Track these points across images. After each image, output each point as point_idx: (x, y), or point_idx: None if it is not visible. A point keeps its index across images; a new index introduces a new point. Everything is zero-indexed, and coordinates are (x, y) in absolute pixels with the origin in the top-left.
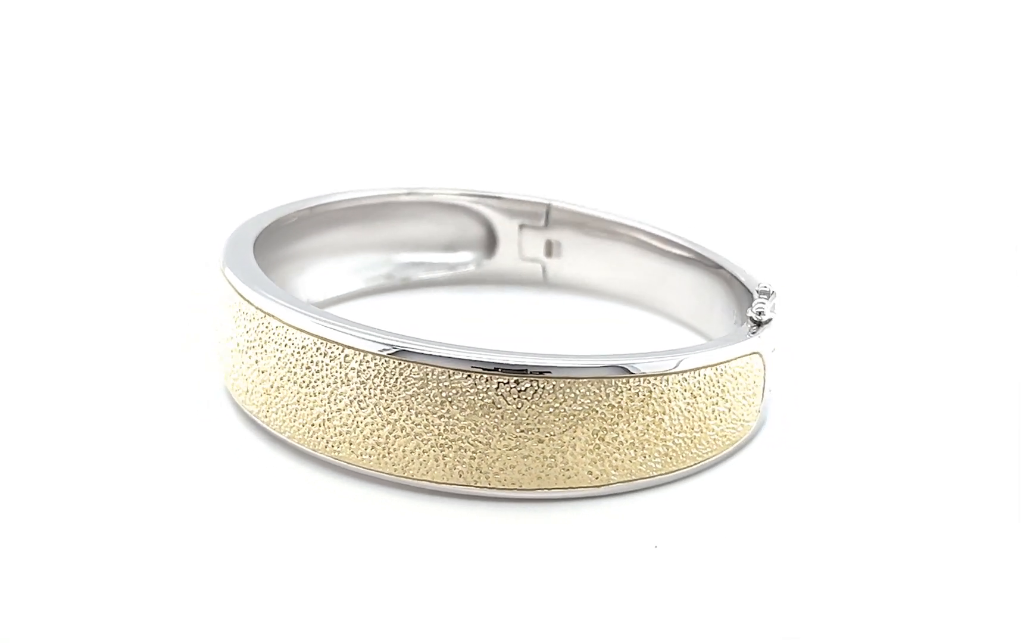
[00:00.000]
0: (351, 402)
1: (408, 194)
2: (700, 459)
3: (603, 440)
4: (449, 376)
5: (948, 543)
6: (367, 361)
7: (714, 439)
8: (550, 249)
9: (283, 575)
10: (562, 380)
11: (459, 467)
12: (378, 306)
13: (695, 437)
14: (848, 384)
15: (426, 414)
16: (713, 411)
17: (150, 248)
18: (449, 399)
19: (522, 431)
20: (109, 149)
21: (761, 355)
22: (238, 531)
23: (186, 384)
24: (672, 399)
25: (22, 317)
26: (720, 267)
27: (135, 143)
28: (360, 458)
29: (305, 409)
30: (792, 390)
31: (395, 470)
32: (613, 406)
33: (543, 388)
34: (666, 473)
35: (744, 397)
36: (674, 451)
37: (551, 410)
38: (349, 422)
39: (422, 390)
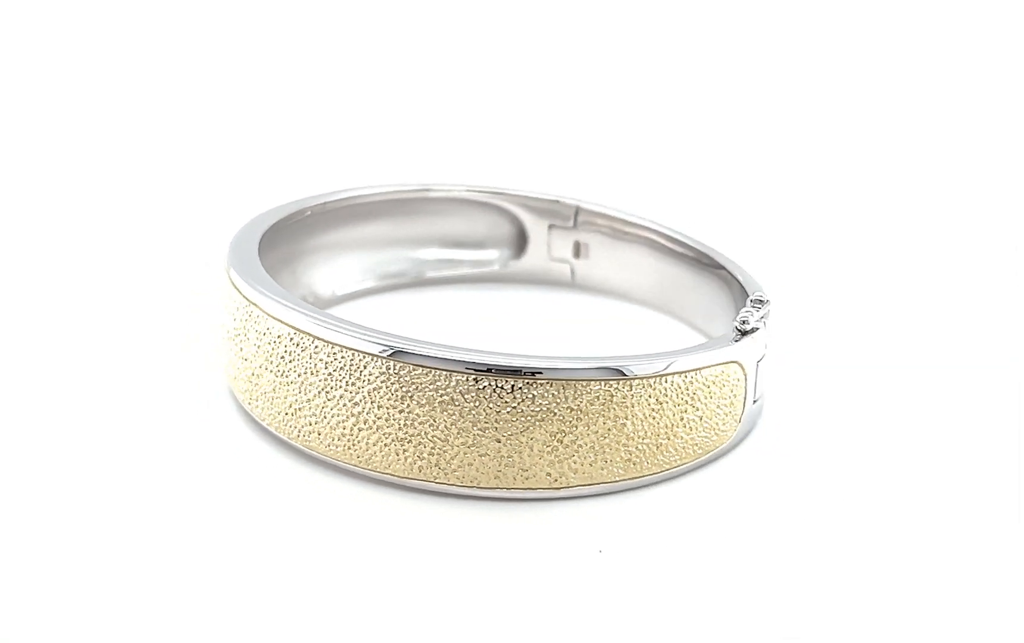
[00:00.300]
0: (319, 393)
1: (438, 190)
2: (667, 467)
3: (561, 442)
4: (409, 371)
5: (932, 562)
6: (334, 353)
7: (683, 447)
8: (578, 250)
9: (249, 566)
10: (522, 380)
11: (419, 462)
12: (398, 302)
13: (661, 444)
14: (850, 399)
15: (387, 408)
16: (681, 419)
17: (150, 247)
18: (409, 394)
19: (480, 429)
20: (109, 149)
21: (741, 365)
22: (221, 526)
23: (186, 383)
24: (635, 405)
25: (22, 318)
26: (723, 268)
27: (136, 143)
28: (328, 449)
29: (279, 397)
30: (792, 401)
31: (359, 462)
32: (572, 409)
33: (501, 387)
34: (629, 479)
35: (719, 407)
36: (638, 457)
37: (509, 410)
38: (318, 412)
39: (384, 384)
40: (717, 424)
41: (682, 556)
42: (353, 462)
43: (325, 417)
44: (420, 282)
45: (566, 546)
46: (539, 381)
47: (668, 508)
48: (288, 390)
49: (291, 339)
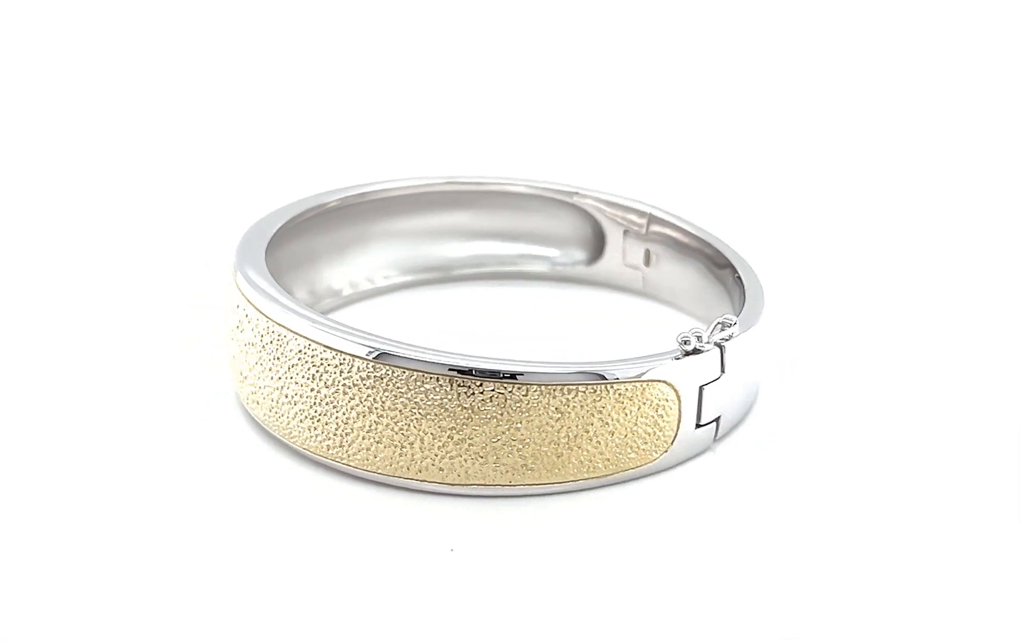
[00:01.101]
0: (310, 392)
1: (518, 184)
2: (569, 478)
3: (451, 439)
4: (392, 373)
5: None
6: (324, 354)
7: (588, 461)
8: (648, 258)
9: (246, 561)
10: (416, 373)
11: (327, 441)
12: (462, 296)
13: (562, 454)
14: (844, 416)
15: (303, 385)
16: (586, 431)
17: (151, 247)
18: (319, 374)
19: (378, 416)
20: (109, 148)
21: (672, 385)
22: (219, 524)
23: (187, 382)
24: (530, 410)
25: (22, 317)
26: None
27: (136, 142)
28: (321, 447)
29: (275, 396)
30: (775, 421)
31: (352, 461)
32: (464, 408)
33: (395, 376)
34: (527, 484)
35: (638, 425)
36: (534, 464)
37: (404, 398)
38: (310, 412)
39: (300, 361)
40: (634, 443)
41: (535, 576)
42: (346, 461)
43: (317, 417)
44: (516, 276)
45: (424, 542)
46: (430, 374)
47: (546, 521)
48: (281, 389)
49: (267, 328)
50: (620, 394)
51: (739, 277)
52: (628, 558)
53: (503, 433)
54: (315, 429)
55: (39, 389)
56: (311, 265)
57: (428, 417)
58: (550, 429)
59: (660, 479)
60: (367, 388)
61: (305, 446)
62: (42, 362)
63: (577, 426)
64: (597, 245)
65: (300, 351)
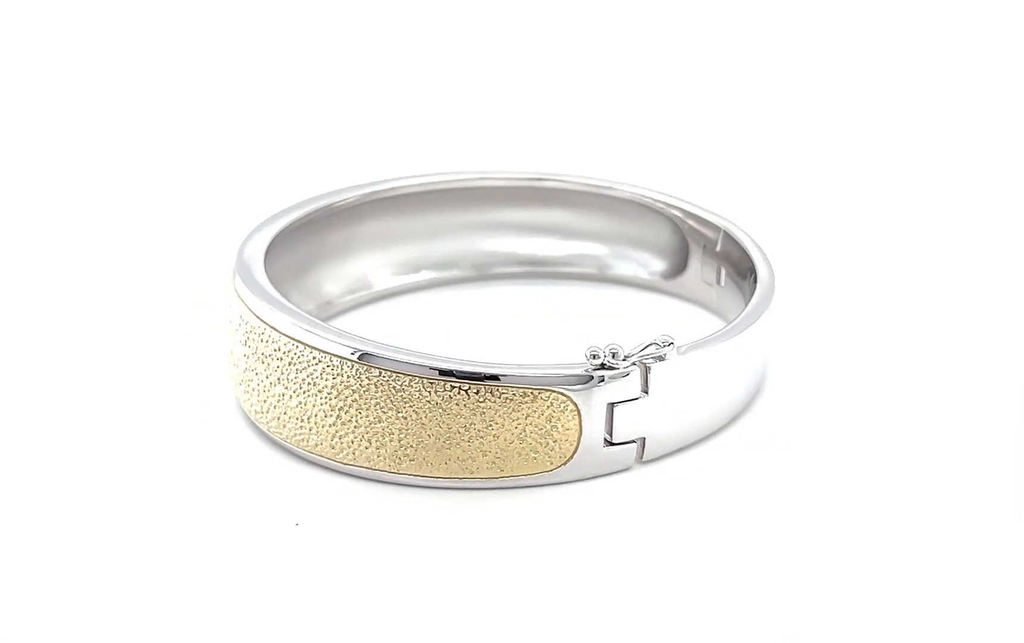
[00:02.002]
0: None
1: (622, 188)
2: (456, 474)
3: (339, 419)
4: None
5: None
6: (312, 355)
7: (471, 459)
8: (719, 276)
9: (243, 554)
10: (314, 350)
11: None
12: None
13: (442, 448)
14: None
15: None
16: (465, 427)
17: (151, 247)
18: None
19: (275, 380)
20: (110, 149)
21: (571, 399)
22: (215, 521)
23: (186, 382)
24: (415, 400)
25: (22, 317)
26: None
27: (136, 142)
28: (313, 445)
29: (248, 380)
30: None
31: (344, 459)
32: (354, 389)
33: (290, 352)
34: (414, 474)
35: (526, 433)
36: (416, 454)
37: (295, 369)
38: (301, 412)
39: (355, 384)
40: (520, 449)
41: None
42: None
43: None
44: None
45: (278, 517)
46: (325, 352)
47: (405, 509)
48: (274, 390)
49: (243, 320)
50: (506, 398)
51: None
52: (481, 562)
53: (388, 421)
54: (302, 427)
55: (39, 387)
56: (352, 256)
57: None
58: (427, 420)
59: (561, 491)
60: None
61: (292, 442)
62: (42, 361)
63: (457, 423)
64: (680, 259)
65: (287, 351)
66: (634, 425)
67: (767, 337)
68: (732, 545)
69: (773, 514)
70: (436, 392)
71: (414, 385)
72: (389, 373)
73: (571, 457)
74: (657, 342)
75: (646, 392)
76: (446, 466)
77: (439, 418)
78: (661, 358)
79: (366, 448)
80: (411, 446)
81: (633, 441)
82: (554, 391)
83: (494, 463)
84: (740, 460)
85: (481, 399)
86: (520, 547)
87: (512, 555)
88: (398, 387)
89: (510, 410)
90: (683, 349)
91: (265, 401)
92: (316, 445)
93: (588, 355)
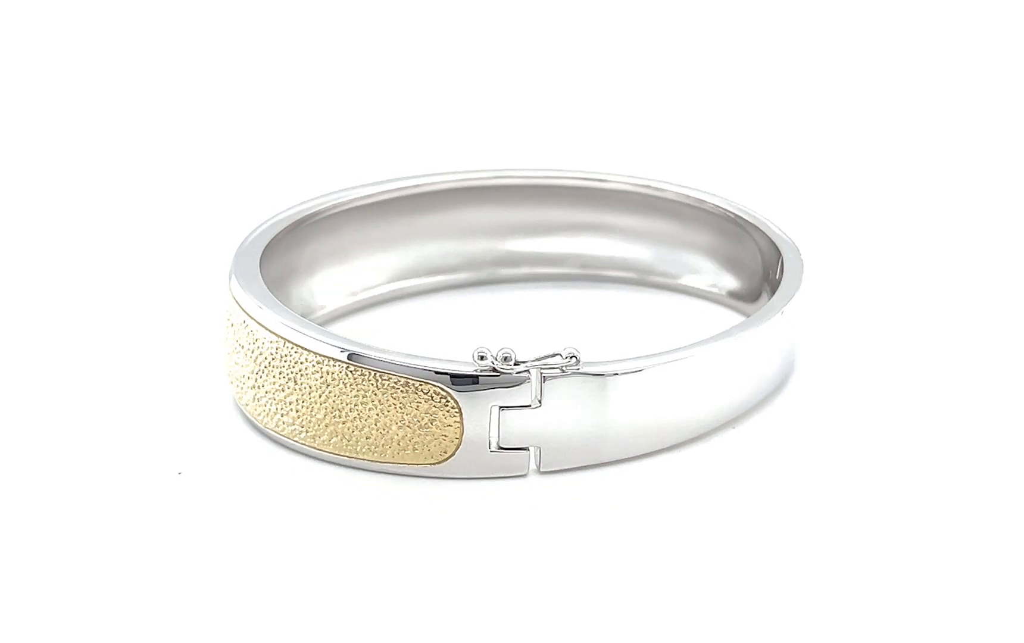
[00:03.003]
0: (292, 389)
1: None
2: (338, 451)
3: (258, 386)
4: (359, 373)
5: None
6: (302, 355)
7: (350, 437)
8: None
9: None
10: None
11: (374, 450)
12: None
13: (326, 422)
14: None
15: (348, 403)
16: (343, 407)
17: (154, 243)
18: (363, 391)
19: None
20: (111, 149)
21: (453, 396)
22: (208, 513)
23: (186, 378)
24: (306, 375)
25: (25, 319)
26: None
27: (139, 142)
28: (307, 438)
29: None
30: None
31: (338, 451)
32: (290, 364)
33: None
34: (303, 442)
35: (404, 421)
36: (307, 423)
37: (250, 340)
38: (295, 408)
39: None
40: (404, 439)
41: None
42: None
43: (302, 412)
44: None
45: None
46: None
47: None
48: (261, 386)
49: (230, 314)
50: (385, 383)
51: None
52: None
53: (293, 394)
54: (305, 424)
55: (41, 387)
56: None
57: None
58: (315, 395)
59: (444, 486)
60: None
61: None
62: (45, 360)
63: (339, 400)
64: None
65: (276, 350)
66: (527, 433)
67: (710, 366)
68: (594, 572)
69: (660, 552)
70: (330, 370)
71: (324, 365)
72: (314, 355)
73: (453, 454)
74: (561, 353)
75: (539, 402)
76: (333, 442)
77: (327, 395)
78: (560, 370)
79: (282, 418)
80: (306, 420)
81: (526, 449)
82: (434, 385)
83: (375, 447)
84: (649, 489)
85: (362, 378)
86: (379, 530)
87: (364, 537)
88: (312, 366)
89: (388, 396)
90: (587, 365)
91: (261, 399)
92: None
93: (476, 356)
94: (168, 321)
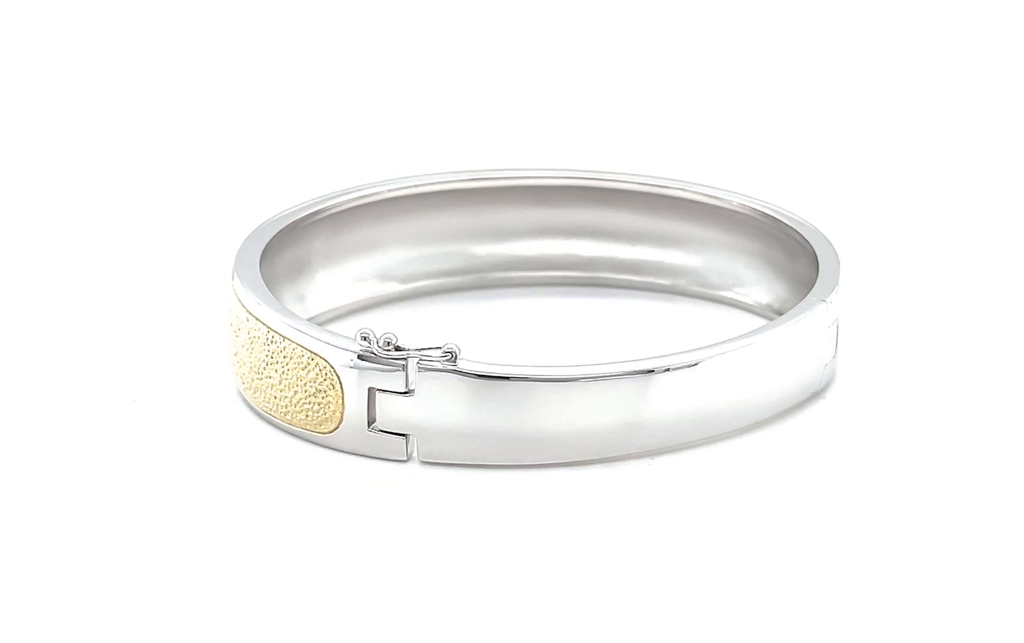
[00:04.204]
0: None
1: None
2: (261, 407)
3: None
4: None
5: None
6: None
7: (266, 392)
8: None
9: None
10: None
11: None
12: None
13: (254, 384)
14: None
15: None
16: (261, 365)
17: (163, 236)
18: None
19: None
20: (118, 147)
21: (335, 371)
22: (215, 497)
23: (194, 369)
24: (283, 359)
25: (39, 318)
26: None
27: (146, 139)
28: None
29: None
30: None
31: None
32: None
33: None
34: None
35: (299, 387)
36: (247, 377)
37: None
38: (292, 396)
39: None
40: (300, 404)
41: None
42: (263, 409)
43: (300, 402)
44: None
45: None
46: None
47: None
48: (260, 373)
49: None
50: (286, 350)
51: None
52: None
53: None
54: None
55: (50, 388)
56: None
57: None
58: (252, 351)
59: (330, 455)
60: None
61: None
62: (51, 359)
63: (258, 359)
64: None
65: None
66: (403, 420)
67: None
68: (443, 563)
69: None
70: (262, 337)
71: (249, 322)
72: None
73: (336, 428)
74: (441, 347)
75: (409, 390)
76: (254, 397)
77: (253, 352)
78: (434, 364)
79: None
80: (249, 379)
81: (402, 435)
82: (321, 359)
83: (281, 407)
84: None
85: (272, 343)
86: (270, 486)
87: (256, 489)
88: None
89: (289, 365)
90: (467, 364)
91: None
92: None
93: (359, 336)
94: (178, 311)
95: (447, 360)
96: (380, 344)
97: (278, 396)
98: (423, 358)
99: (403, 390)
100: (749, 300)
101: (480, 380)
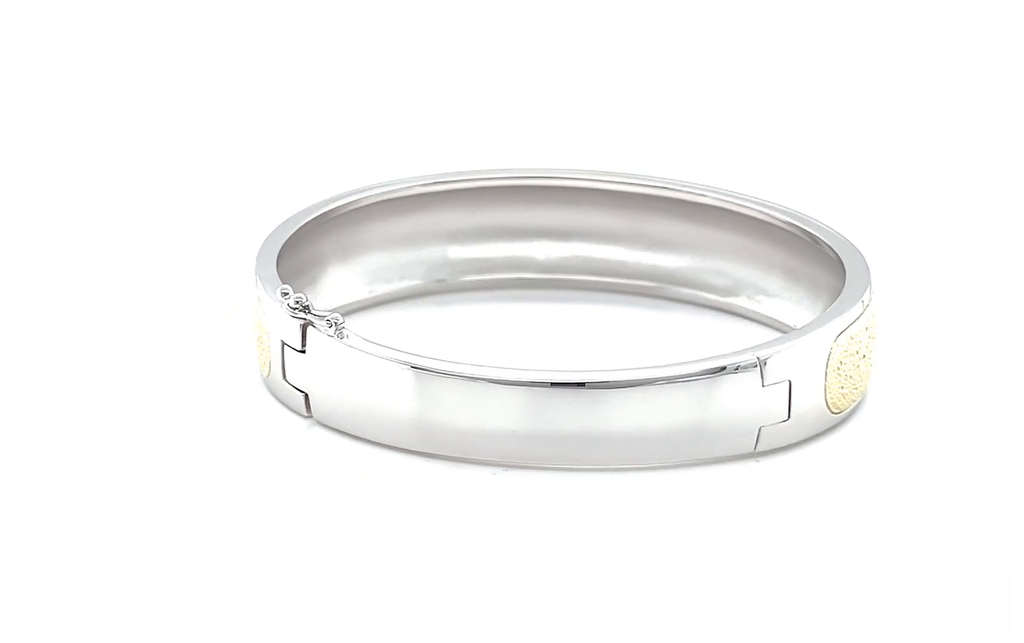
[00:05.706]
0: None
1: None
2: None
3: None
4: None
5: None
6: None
7: (258, 347)
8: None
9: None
10: None
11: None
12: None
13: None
14: None
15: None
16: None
17: (188, 235)
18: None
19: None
20: (136, 149)
21: (263, 321)
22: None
23: (220, 360)
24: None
25: (29, 308)
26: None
27: (165, 141)
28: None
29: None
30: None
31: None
32: None
33: None
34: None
35: (252, 334)
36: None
37: None
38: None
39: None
40: (256, 348)
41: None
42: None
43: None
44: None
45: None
46: None
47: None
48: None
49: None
50: (242, 299)
51: None
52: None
53: None
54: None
55: (73, 385)
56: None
57: None
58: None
59: (264, 397)
60: None
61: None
62: (83, 358)
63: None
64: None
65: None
66: (299, 376)
67: None
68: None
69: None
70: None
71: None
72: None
73: (269, 373)
74: (329, 313)
75: (304, 349)
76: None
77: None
78: (317, 326)
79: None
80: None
81: (301, 391)
82: (262, 306)
83: (259, 356)
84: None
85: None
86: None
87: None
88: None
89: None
90: (345, 334)
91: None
92: None
93: (280, 291)
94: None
95: (330, 329)
96: (290, 298)
97: (258, 345)
98: (314, 318)
99: (299, 348)
100: (760, 308)
101: (363, 355)
